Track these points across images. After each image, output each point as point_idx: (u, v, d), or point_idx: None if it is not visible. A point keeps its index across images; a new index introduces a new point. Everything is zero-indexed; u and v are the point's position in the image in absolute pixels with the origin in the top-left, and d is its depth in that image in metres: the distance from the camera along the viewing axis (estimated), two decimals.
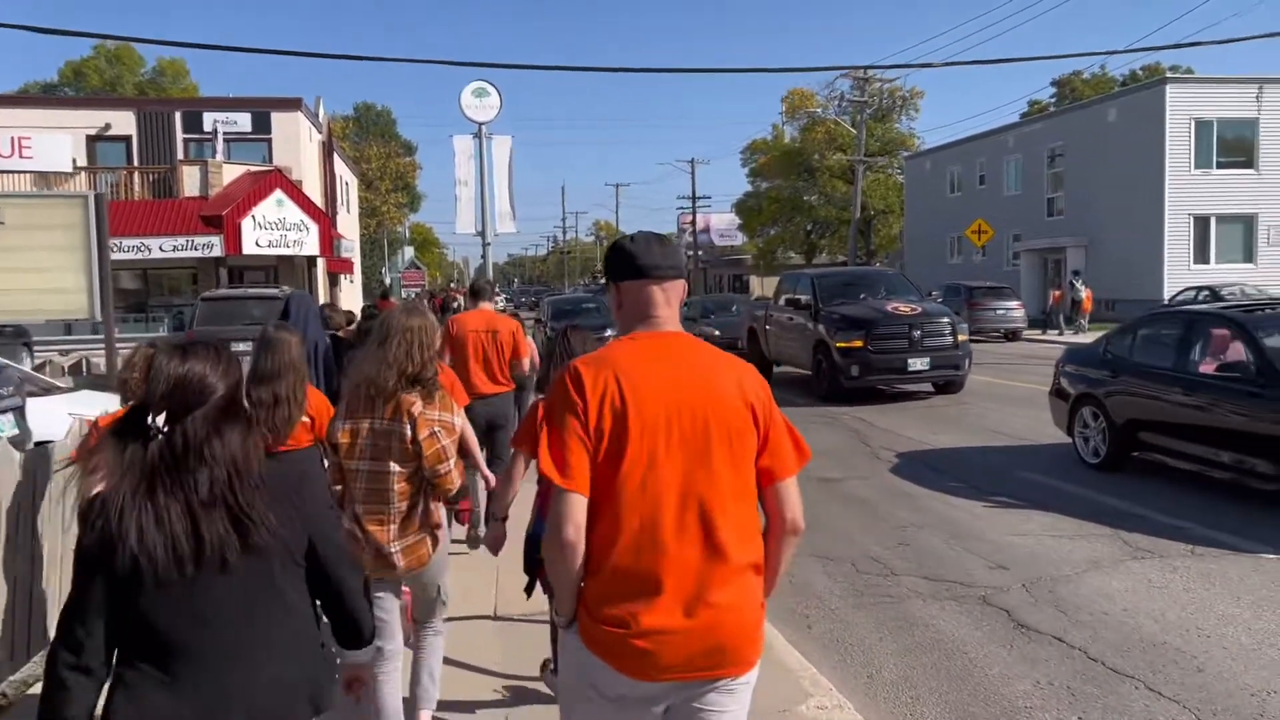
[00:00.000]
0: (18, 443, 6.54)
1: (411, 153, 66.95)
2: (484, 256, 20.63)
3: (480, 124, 19.93)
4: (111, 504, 1.99)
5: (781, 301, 17.03)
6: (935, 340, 14.35)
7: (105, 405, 7.69)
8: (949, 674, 4.91)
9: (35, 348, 21.16)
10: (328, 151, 34.86)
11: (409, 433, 3.61)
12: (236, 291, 17.49)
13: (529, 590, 3.89)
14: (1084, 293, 28.82)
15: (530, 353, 7.21)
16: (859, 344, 14.19)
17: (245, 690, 2.04)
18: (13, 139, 12.50)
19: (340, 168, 39.50)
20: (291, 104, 29.69)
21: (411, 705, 3.92)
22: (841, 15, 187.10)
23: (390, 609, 3.80)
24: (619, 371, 2.26)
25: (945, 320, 14.59)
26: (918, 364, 14.15)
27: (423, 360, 3.72)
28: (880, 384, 14.59)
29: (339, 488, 3.76)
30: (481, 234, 20.34)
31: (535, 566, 3.76)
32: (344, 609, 2.32)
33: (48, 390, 9.04)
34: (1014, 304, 27.99)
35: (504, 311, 17.82)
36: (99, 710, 2.03)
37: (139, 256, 23.89)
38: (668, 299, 2.41)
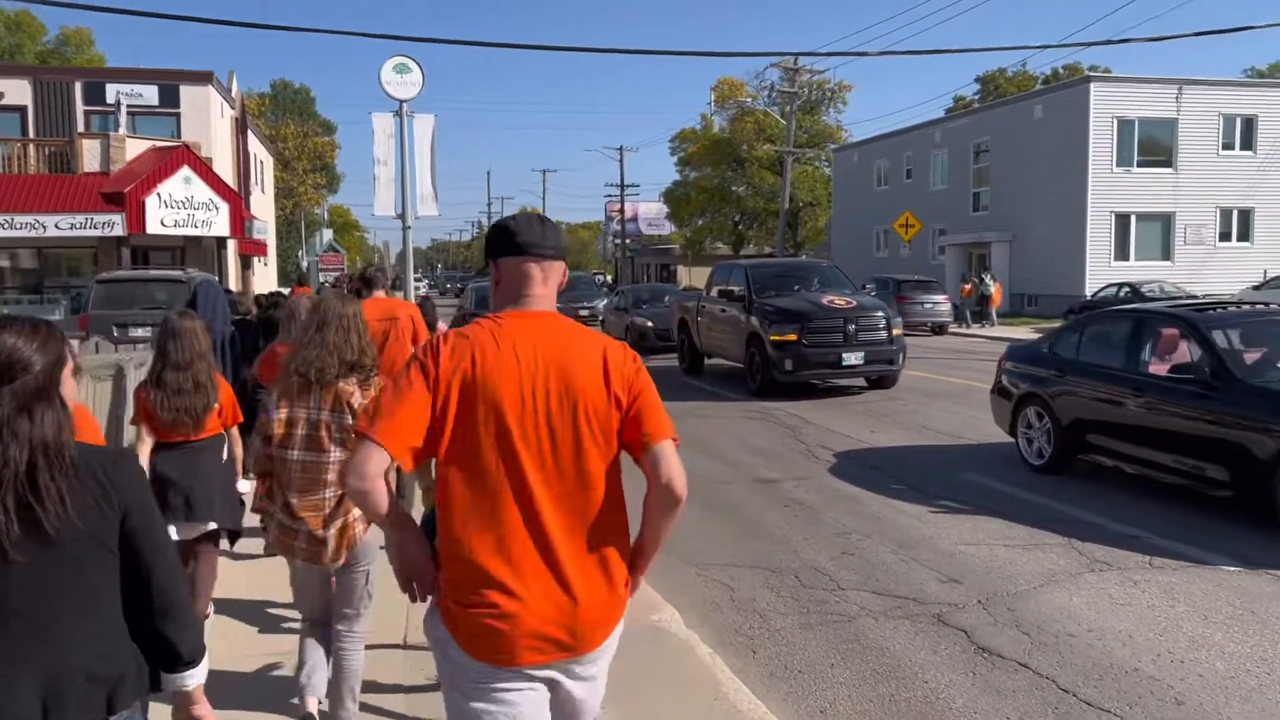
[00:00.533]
0: None
1: (331, 132, 65.12)
2: (404, 240, 19.74)
3: (401, 101, 19.02)
4: None
5: (714, 293, 16.56)
6: (870, 335, 14.03)
7: None
8: (909, 707, 4.45)
9: None
10: (241, 128, 33.40)
11: (350, 421, 3.64)
12: (136, 273, 16.37)
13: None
14: (993, 287, 29.21)
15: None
16: (793, 337, 13.78)
17: (38, 677, 1.92)
18: None
19: (255, 146, 37.96)
20: (202, 77, 28.29)
21: None
22: (771, 7, 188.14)
23: (318, 594, 3.89)
24: (477, 348, 2.25)
25: (880, 314, 14.27)
26: (852, 358, 13.81)
27: (361, 346, 3.77)
28: (814, 378, 14.22)
29: (266, 476, 3.77)
30: (401, 216, 19.46)
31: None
32: (157, 614, 2.08)
33: None
34: (940, 298, 28.04)
35: (424, 298, 16.94)
36: None
37: (33, 234, 22.42)
38: (545, 278, 2.39)
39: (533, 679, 2.26)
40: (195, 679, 2.16)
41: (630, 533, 2.40)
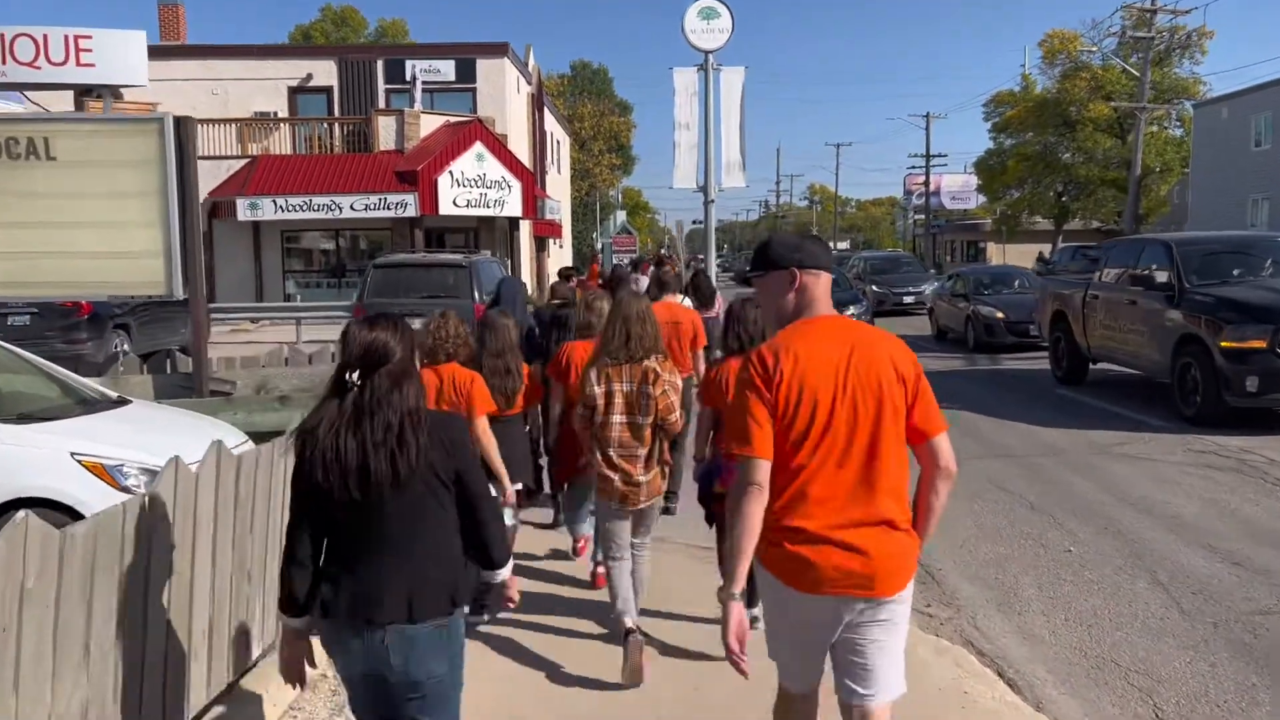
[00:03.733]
0: None
1: (627, 113, 64.23)
2: (706, 216, 17.01)
3: (707, 53, 16.27)
4: (309, 440, 2.63)
5: (1113, 277, 12.49)
6: None
7: (175, 443, 4.57)
8: None
9: (214, 316, 19.33)
10: (537, 104, 32.24)
11: (652, 391, 4.53)
12: (415, 258, 14.70)
13: (710, 521, 4.84)
14: None
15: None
16: (1260, 344, 9.62)
17: (404, 581, 2.63)
18: (66, 38, 9.78)
19: (551, 124, 36.97)
20: (498, 49, 27.07)
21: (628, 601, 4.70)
22: None
23: (624, 530, 4.69)
24: (797, 354, 2.75)
25: None
26: None
27: (655, 334, 4.63)
28: None
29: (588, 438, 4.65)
30: (704, 189, 16.75)
31: (711, 500, 4.74)
32: (479, 534, 2.79)
33: (87, 405, 6.11)
34: None
35: (698, 271, 14.04)
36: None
37: (330, 216, 21.87)
38: (818, 284, 2.89)
39: (830, 615, 2.74)
40: (503, 574, 2.91)
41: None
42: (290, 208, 21.56)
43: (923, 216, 71.34)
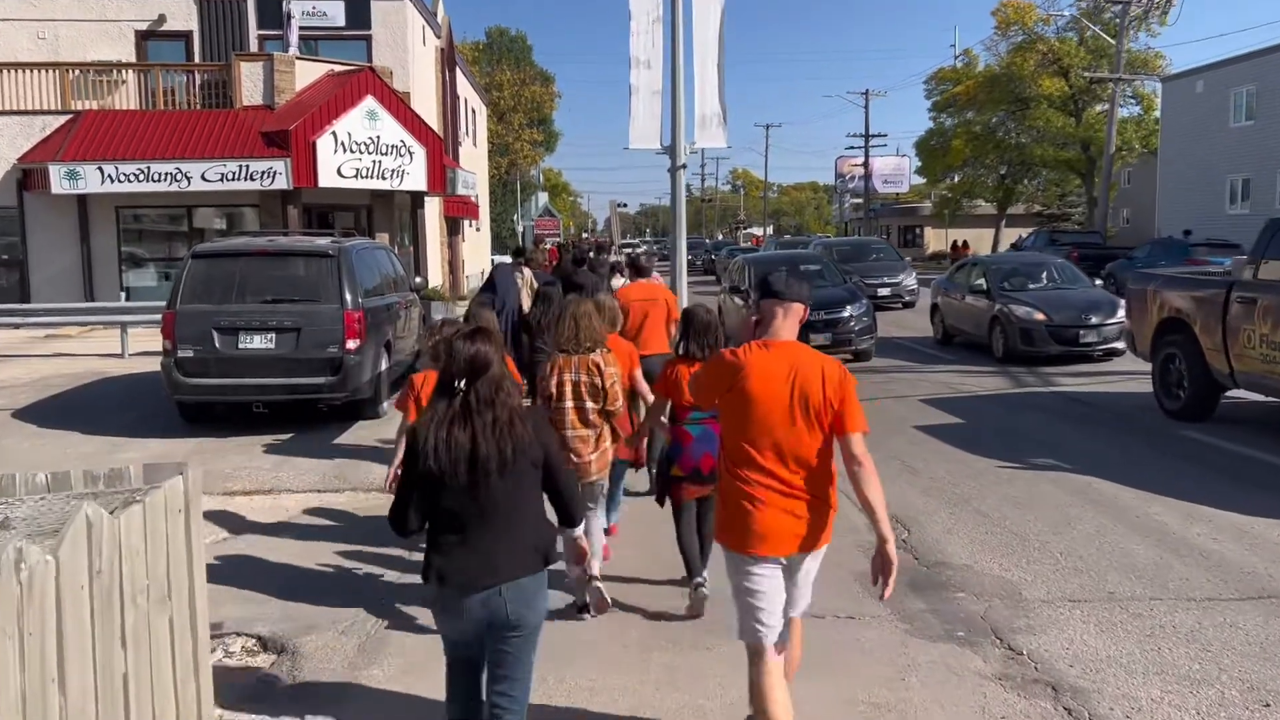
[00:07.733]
0: None
1: (549, 83, 59.42)
2: (673, 185, 12.66)
3: None
4: (422, 432, 3.17)
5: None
6: None
7: None
8: None
9: (11, 322, 14.45)
10: (448, 62, 27.49)
11: (599, 381, 5.21)
12: (255, 244, 10.02)
13: (660, 501, 5.41)
14: None
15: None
16: None
17: (506, 547, 3.19)
18: None
19: (465, 89, 32.20)
20: None
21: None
22: None
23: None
24: (747, 364, 3.55)
25: None
26: None
27: (596, 329, 5.35)
28: None
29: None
30: (670, 150, 12.49)
31: (666, 485, 5.28)
32: (563, 500, 3.44)
33: None
34: None
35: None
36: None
37: (173, 188, 16.96)
38: (785, 315, 3.65)
39: (775, 564, 3.55)
40: (577, 531, 3.62)
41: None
42: (122, 177, 16.66)
43: (860, 200, 67.95)
